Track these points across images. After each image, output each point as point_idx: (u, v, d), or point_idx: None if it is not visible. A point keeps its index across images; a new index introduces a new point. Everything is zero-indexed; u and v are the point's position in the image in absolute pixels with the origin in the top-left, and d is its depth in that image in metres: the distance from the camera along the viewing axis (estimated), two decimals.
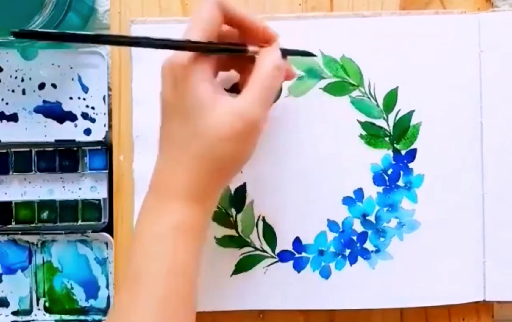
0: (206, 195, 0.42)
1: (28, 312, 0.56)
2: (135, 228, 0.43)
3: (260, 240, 0.52)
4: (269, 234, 0.52)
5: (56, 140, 0.55)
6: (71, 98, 0.55)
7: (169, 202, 0.42)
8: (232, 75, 0.47)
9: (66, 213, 0.55)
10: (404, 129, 0.51)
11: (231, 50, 0.44)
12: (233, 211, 0.52)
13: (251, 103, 0.41)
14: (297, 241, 0.52)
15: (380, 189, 0.52)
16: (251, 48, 0.43)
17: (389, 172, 0.52)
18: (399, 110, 0.51)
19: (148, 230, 0.42)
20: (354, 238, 0.52)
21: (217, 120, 0.40)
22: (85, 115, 0.55)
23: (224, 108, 0.41)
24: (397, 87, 0.51)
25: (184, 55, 0.41)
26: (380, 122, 0.51)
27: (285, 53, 0.46)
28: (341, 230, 0.52)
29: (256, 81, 0.42)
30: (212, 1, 0.42)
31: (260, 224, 0.52)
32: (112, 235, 0.54)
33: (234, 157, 0.42)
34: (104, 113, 0.55)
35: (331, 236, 0.52)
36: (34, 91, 0.55)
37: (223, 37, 0.44)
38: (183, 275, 0.41)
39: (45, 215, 0.55)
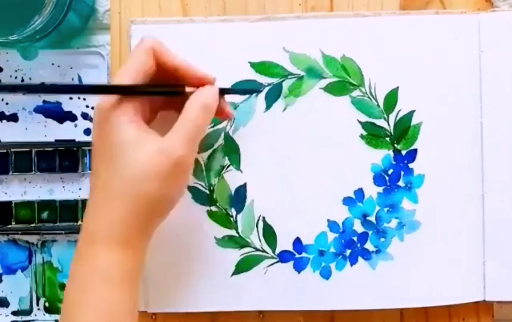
0: (135, 237, 0.42)
1: (28, 312, 0.56)
2: (70, 269, 0.42)
3: (260, 240, 0.52)
4: (269, 234, 0.52)
5: (56, 140, 0.55)
6: (71, 98, 0.55)
7: (97, 248, 0.41)
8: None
9: (66, 213, 0.55)
10: (404, 130, 0.51)
11: (161, 92, 0.45)
12: (233, 211, 0.52)
13: (177, 143, 0.41)
14: (297, 241, 0.52)
15: (380, 189, 0.52)
16: (188, 89, 0.44)
17: (390, 172, 0.52)
18: (399, 110, 0.51)
19: (80, 276, 0.41)
20: (355, 238, 0.52)
21: (141, 159, 0.40)
22: (85, 115, 0.55)
23: (149, 147, 0.41)
24: (397, 87, 0.51)
25: (108, 99, 0.42)
26: (381, 122, 0.51)
27: (224, 92, 0.47)
28: (341, 230, 0.52)
29: (183, 120, 0.42)
30: (144, 46, 0.43)
31: (260, 224, 0.52)
32: None
33: (162, 196, 0.42)
34: None
35: (331, 236, 0.52)
36: None
37: (166, 78, 0.45)
38: None
39: (45, 215, 0.55)
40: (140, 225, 0.42)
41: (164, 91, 0.45)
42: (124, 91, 0.42)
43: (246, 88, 0.51)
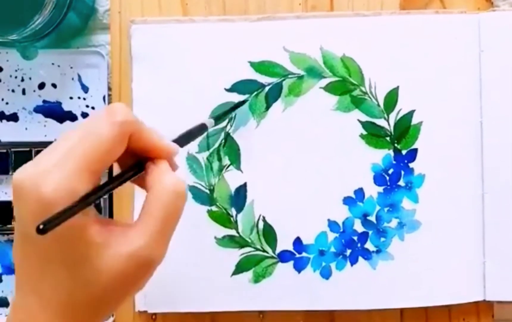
0: None
1: None
2: None
3: (260, 240, 0.52)
4: (270, 234, 0.52)
5: None
6: (71, 98, 0.55)
7: None
8: None
9: None
10: (404, 129, 0.51)
11: (123, 181, 0.36)
12: (233, 211, 0.52)
13: (148, 241, 0.34)
14: (297, 241, 0.52)
15: (380, 188, 0.52)
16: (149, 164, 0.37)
17: (390, 171, 0.52)
18: (399, 110, 0.51)
19: None
20: (355, 238, 0.52)
21: (111, 268, 0.33)
22: (85, 115, 0.55)
23: (119, 251, 0.33)
24: (397, 86, 0.51)
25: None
26: (381, 122, 0.51)
27: (183, 140, 0.41)
28: (341, 230, 0.52)
29: (152, 211, 0.35)
30: (120, 132, 0.34)
31: (261, 224, 0.52)
32: None
33: (127, 297, 0.35)
34: None
35: (331, 236, 0.52)
36: (34, 91, 0.55)
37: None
38: None
39: None
40: None
41: (125, 178, 0.36)
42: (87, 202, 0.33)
43: (228, 109, 0.49)
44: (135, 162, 0.37)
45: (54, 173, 0.32)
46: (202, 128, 0.45)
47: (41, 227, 0.29)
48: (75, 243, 0.33)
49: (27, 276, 0.34)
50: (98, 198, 0.34)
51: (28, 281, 0.34)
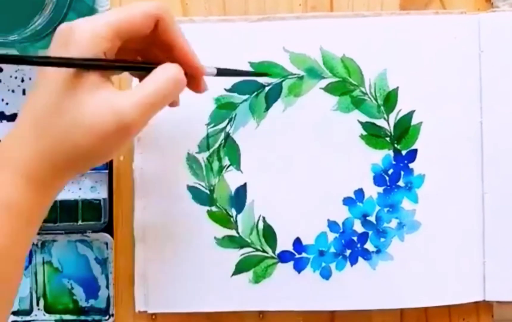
0: (50, 182, 0.39)
1: (28, 312, 0.56)
2: None
3: (260, 240, 0.52)
4: (270, 234, 0.52)
5: None
6: None
7: (5, 173, 0.37)
8: None
9: (66, 213, 0.55)
10: (404, 129, 0.51)
11: (136, 68, 0.43)
12: (233, 211, 0.52)
13: (132, 107, 0.37)
14: (297, 242, 0.52)
15: (380, 189, 0.52)
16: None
17: (390, 172, 0.52)
18: (399, 110, 0.51)
19: None
20: (355, 238, 0.52)
21: (90, 111, 0.37)
22: None
23: (101, 102, 0.37)
24: (397, 87, 0.51)
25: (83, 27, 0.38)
26: (381, 122, 0.51)
27: (224, 73, 0.45)
28: (341, 230, 0.52)
29: (146, 85, 0.39)
30: (150, 12, 0.39)
31: (260, 224, 0.52)
32: (112, 235, 0.54)
33: (95, 153, 0.38)
34: None
35: (331, 236, 0.52)
36: None
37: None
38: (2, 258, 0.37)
39: None
40: (61, 172, 0.39)
41: (139, 67, 0.42)
42: (103, 66, 0.38)
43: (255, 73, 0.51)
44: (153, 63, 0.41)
45: (86, 20, 0.38)
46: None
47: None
48: (72, 81, 0.37)
49: (26, 109, 0.38)
50: (103, 67, 0.38)
51: (23, 113, 0.38)
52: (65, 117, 0.37)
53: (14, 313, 0.56)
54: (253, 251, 0.52)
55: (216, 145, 0.52)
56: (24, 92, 0.55)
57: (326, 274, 0.52)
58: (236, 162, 0.52)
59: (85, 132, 0.37)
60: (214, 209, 0.52)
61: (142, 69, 0.41)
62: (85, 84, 0.37)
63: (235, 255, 0.52)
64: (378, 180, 0.51)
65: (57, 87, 0.37)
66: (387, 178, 0.52)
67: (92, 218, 0.55)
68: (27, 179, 0.37)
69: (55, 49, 0.38)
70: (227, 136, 0.52)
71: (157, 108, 0.39)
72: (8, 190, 0.37)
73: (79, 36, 0.37)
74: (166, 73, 0.40)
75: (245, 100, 0.52)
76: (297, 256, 0.52)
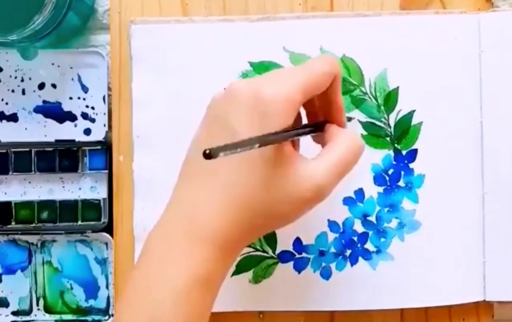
0: (237, 248, 0.39)
1: (28, 312, 0.56)
2: (147, 240, 0.39)
3: (260, 240, 0.52)
4: (269, 234, 0.52)
5: (56, 140, 0.55)
6: (71, 98, 0.55)
7: (197, 245, 0.37)
8: None
9: (66, 213, 0.55)
10: (405, 129, 0.51)
11: (305, 133, 0.42)
12: None
13: (326, 173, 0.38)
14: (297, 242, 0.52)
15: (380, 189, 0.51)
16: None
17: (390, 172, 0.52)
18: (399, 110, 0.51)
19: (161, 276, 0.37)
20: (355, 238, 0.52)
21: (291, 184, 0.38)
22: (85, 115, 0.55)
23: (299, 172, 0.38)
24: (397, 87, 0.51)
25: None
26: (381, 122, 0.51)
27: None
28: (341, 230, 0.52)
29: (335, 151, 0.39)
30: (329, 70, 0.40)
31: None
32: (112, 235, 0.54)
33: (291, 219, 0.40)
34: (104, 113, 0.55)
35: (331, 236, 0.52)
36: (34, 91, 0.55)
37: None
38: None
39: (45, 215, 0.55)
40: (249, 238, 0.40)
41: (308, 131, 0.42)
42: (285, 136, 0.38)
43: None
44: (318, 122, 0.43)
45: (274, 82, 0.38)
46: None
47: (207, 151, 0.31)
48: (272, 157, 0.37)
49: (203, 170, 0.38)
50: (284, 138, 0.38)
51: (201, 175, 0.38)
52: (269, 192, 0.37)
53: (14, 313, 0.56)
54: (253, 251, 0.52)
55: None
56: (24, 92, 0.55)
57: (326, 274, 0.52)
58: None
59: (287, 203, 0.38)
60: None
61: (318, 130, 0.43)
62: (283, 157, 0.38)
63: None
64: (378, 179, 0.51)
65: (260, 164, 0.37)
66: (387, 178, 0.52)
67: (92, 218, 0.55)
68: (222, 250, 0.38)
69: (247, 123, 0.37)
70: None
71: (346, 172, 0.40)
72: (208, 265, 0.37)
73: (276, 107, 0.37)
74: (350, 138, 0.40)
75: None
76: (297, 256, 0.52)
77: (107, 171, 0.55)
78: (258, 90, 0.37)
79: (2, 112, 0.55)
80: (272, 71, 0.40)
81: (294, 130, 0.39)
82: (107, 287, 0.55)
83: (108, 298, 0.55)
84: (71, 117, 0.55)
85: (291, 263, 0.52)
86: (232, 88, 0.39)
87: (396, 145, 0.51)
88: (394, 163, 0.51)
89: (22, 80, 0.55)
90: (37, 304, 0.56)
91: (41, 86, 0.55)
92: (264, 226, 0.40)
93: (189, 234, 0.38)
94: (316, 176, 0.38)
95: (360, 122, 0.51)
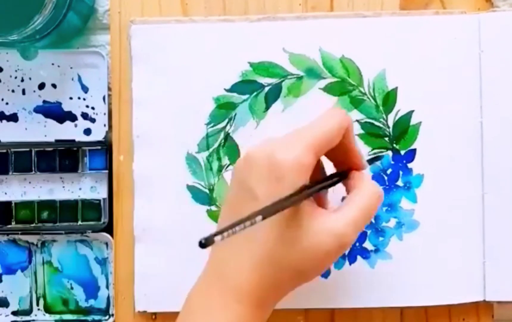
0: (269, 302, 0.41)
1: (28, 312, 0.56)
2: (188, 300, 0.42)
3: None
4: None
5: (56, 140, 0.55)
6: (71, 98, 0.55)
7: (234, 304, 0.39)
8: None
9: (66, 213, 0.55)
10: (403, 130, 0.51)
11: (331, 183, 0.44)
12: None
13: (347, 226, 0.39)
14: None
15: None
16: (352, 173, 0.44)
17: (389, 171, 0.52)
18: (398, 111, 0.51)
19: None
20: None
21: (314, 239, 0.39)
22: (85, 115, 0.55)
23: (321, 227, 0.39)
24: (396, 87, 0.51)
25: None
26: (380, 123, 0.51)
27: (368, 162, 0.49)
28: None
29: (355, 203, 0.41)
30: (341, 125, 0.41)
31: None
32: (112, 235, 0.54)
33: (316, 272, 0.41)
34: (104, 113, 0.55)
35: None
36: (34, 91, 0.55)
37: None
38: None
39: (45, 215, 0.55)
40: (281, 293, 0.41)
41: (329, 184, 0.44)
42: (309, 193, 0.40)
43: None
44: (340, 171, 0.45)
45: (285, 146, 0.39)
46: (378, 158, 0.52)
47: (203, 241, 0.32)
48: (291, 215, 0.39)
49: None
50: (299, 200, 0.39)
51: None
52: (295, 248, 0.39)
53: (14, 313, 0.56)
54: None
55: (216, 145, 0.52)
56: (24, 92, 0.55)
57: (325, 273, 0.51)
58: (235, 161, 0.52)
59: (311, 258, 0.39)
60: (213, 208, 0.52)
61: (343, 177, 0.44)
62: (304, 214, 0.39)
63: None
64: (377, 179, 0.51)
65: (284, 223, 0.39)
66: (386, 178, 0.52)
67: (92, 218, 0.55)
68: (251, 305, 0.39)
69: (265, 187, 0.39)
70: (227, 136, 0.52)
71: (366, 222, 0.41)
72: (237, 318, 0.39)
73: (288, 171, 0.38)
74: (370, 189, 0.42)
75: (245, 100, 0.52)
76: None
77: (107, 171, 0.55)
78: (271, 155, 0.39)
79: (2, 112, 0.55)
80: (286, 134, 0.41)
81: (311, 188, 0.41)
82: (107, 287, 0.55)
83: (108, 298, 0.55)
84: (71, 117, 0.55)
85: None
86: (248, 155, 0.41)
87: (394, 145, 0.51)
88: (392, 162, 0.51)
89: (22, 80, 0.55)
90: (37, 304, 0.56)
91: (41, 86, 0.55)
92: (292, 280, 0.41)
93: (224, 293, 0.40)
94: (338, 230, 0.39)
95: (359, 122, 0.51)
